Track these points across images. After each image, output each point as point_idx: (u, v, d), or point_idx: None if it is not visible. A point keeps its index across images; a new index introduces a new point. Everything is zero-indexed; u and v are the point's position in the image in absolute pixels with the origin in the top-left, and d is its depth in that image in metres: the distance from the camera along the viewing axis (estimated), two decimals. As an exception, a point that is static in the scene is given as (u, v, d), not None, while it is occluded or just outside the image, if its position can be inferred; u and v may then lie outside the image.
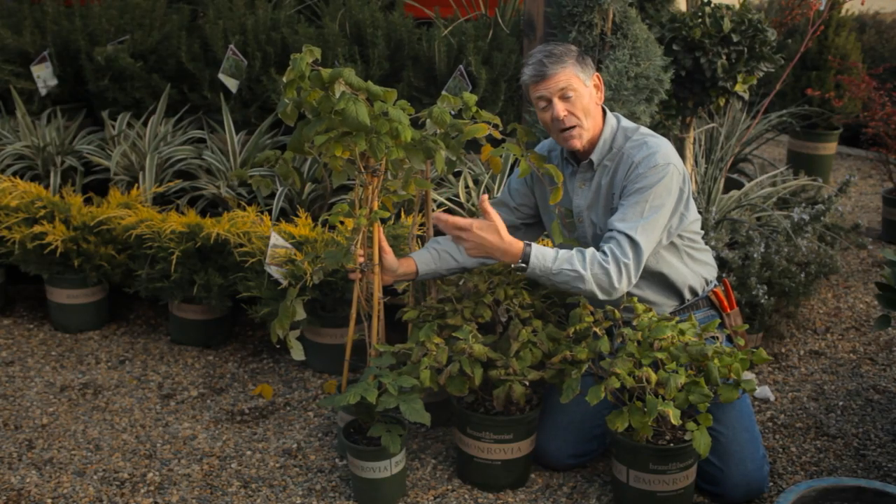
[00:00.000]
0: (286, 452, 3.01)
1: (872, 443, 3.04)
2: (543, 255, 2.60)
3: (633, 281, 2.63)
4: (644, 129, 2.78)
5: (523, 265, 2.62)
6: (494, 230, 2.59)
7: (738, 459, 2.68)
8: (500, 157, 2.88)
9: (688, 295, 2.86)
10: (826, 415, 3.22)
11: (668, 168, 2.65)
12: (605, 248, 2.62)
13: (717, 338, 2.75)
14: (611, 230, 2.64)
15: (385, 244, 2.81)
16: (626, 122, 2.80)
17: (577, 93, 2.68)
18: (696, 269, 2.85)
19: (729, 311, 2.91)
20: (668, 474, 2.55)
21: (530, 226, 3.02)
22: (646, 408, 2.47)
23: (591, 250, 2.62)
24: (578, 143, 2.73)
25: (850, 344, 3.77)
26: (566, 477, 2.86)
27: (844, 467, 2.90)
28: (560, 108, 2.68)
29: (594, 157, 2.77)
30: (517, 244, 2.62)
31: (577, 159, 2.83)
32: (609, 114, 2.80)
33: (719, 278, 3.09)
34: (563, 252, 2.63)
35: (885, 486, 2.34)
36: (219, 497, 2.77)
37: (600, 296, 2.62)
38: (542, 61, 2.68)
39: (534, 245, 2.62)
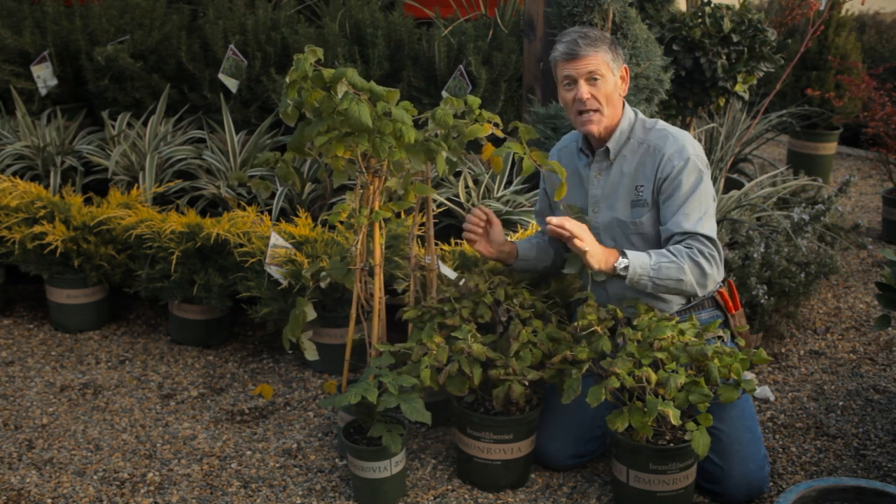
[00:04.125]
0: (286, 452, 3.01)
1: (872, 443, 3.04)
2: (638, 255, 2.68)
3: (722, 272, 2.75)
4: (663, 123, 2.83)
5: (625, 260, 2.66)
6: (589, 232, 2.69)
7: (739, 459, 2.68)
8: (501, 156, 2.87)
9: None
10: (826, 415, 3.22)
11: (697, 161, 2.72)
12: (684, 244, 2.69)
13: (723, 338, 2.75)
14: (682, 233, 2.69)
15: (494, 217, 2.88)
16: (643, 116, 2.86)
17: (604, 79, 2.72)
18: None
19: (734, 311, 2.91)
20: (668, 474, 2.55)
21: None
22: (646, 408, 2.47)
23: (674, 247, 2.70)
24: (595, 128, 2.76)
25: (850, 344, 3.77)
26: (566, 477, 2.86)
27: (844, 467, 2.90)
28: (584, 90, 2.72)
29: (611, 145, 2.79)
30: (614, 250, 2.71)
31: (593, 149, 2.84)
32: (627, 106, 2.83)
33: (724, 279, 3.08)
34: (650, 251, 2.70)
35: (885, 486, 2.34)
36: (219, 497, 2.77)
37: (699, 291, 2.73)
38: (576, 41, 2.71)
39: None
